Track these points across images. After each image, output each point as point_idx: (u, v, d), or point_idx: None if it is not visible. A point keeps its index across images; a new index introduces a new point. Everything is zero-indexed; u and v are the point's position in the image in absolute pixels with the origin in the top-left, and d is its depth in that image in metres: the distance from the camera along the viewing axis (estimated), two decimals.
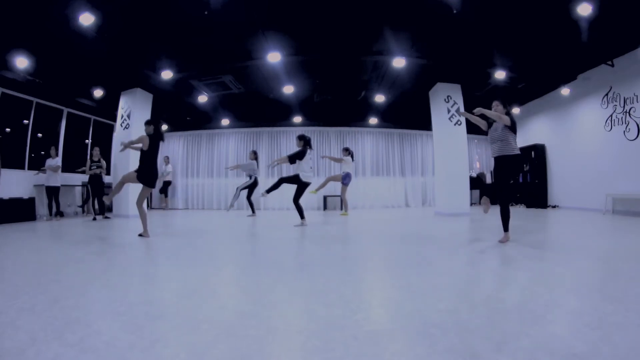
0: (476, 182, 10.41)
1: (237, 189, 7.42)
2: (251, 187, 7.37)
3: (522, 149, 9.11)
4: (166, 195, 10.02)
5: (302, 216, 5.23)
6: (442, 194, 7.12)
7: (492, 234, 4.07)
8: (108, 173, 7.71)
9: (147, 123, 4.08)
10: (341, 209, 7.81)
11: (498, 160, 3.31)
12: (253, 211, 7.46)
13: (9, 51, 5.39)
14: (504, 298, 1.77)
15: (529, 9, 4.56)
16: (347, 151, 7.25)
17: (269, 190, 5.16)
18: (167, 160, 10.07)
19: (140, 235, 4.06)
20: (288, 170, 7.88)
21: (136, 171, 4.01)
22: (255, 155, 7.50)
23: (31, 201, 6.59)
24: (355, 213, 8.21)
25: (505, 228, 3.32)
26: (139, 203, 4.07)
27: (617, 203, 6.39)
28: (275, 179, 5.32)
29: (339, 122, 10.28)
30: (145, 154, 3.97)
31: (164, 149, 10.71)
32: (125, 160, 6.85)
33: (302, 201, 5.25)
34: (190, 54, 6.04)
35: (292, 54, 5.99)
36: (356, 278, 2.24)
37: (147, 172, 3.99)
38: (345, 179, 7.05)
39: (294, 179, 5.11)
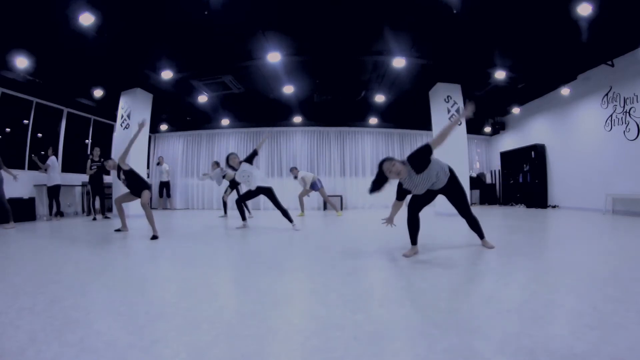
0: (476, 182, 10.42)
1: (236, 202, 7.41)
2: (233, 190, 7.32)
3: (522, 149, 9.20)
4: (168, 196, 10.01)
5: (243, 217, 5.17)
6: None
7: (492, 234, 4.07)
8: (108, 173, 7.71)
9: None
10: (338, 210, 7.82)
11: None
12: (225, 212, 7.44)
13: (9, 51, 5.38)
14: (504, 298, 1.77)
15: (528, 9, 4.56)
16: (295, 170, 7.63)
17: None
18: (161, 160, 10.06)
19: (154, 237, 4.00)
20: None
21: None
22: (218, 165, 7.50)
23: (31, 201, 6.59)
24: (355, 213, 8.21)
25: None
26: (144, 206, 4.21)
27: (617, 203, 6.39)
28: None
29: (339, 122, 10.28)
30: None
31: (160, 149, 10.73)
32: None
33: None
34: (190, 54, 6.04)
35: (292, 54, 5.98)
36: (356, 278, 2.24)
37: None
38: (314, 186, 7.30)
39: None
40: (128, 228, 4.67)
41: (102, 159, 7.03)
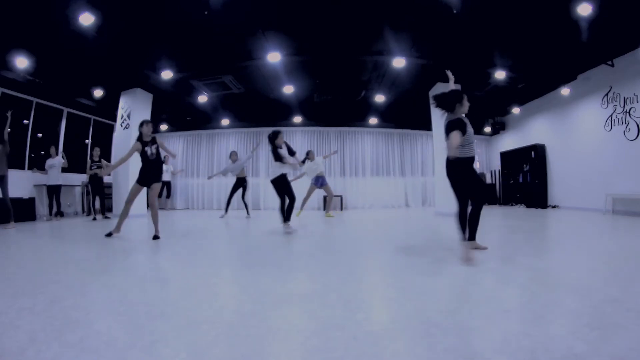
0: None
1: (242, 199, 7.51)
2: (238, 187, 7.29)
3: (522, 149, 9.21)
4: (168, 196, 10.00)
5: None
6: (442, 194, 7.10)
7: (491, 234, 4.07)
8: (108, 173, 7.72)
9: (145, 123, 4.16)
10: (329, 211, 7.64)
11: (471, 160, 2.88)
12: (226, 212, 7.31)
13: (9, 51, 5.39)
14: (504, 298, 1.77)
15: (528, 9, 4.56)
16: (311, 153, 7.23)
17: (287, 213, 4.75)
18: (166, 159, 10.02)
19: (156, 237, 3.94)
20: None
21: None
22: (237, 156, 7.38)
23: (31, 201, 6.59)
24: (354, 213, 8.21)
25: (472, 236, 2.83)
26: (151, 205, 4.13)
27: (617, 203, 6.39)
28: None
29: (339, 122, 10.28)
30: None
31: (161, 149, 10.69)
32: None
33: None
34: (190, 54, 6.04)
35: (292, 54, 5.98)
36: (356, 278, 2.24)
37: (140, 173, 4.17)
38: (322, 180, 7.03)
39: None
40: (120, 231, 4.30)
41: (102, 159, 7.04)
